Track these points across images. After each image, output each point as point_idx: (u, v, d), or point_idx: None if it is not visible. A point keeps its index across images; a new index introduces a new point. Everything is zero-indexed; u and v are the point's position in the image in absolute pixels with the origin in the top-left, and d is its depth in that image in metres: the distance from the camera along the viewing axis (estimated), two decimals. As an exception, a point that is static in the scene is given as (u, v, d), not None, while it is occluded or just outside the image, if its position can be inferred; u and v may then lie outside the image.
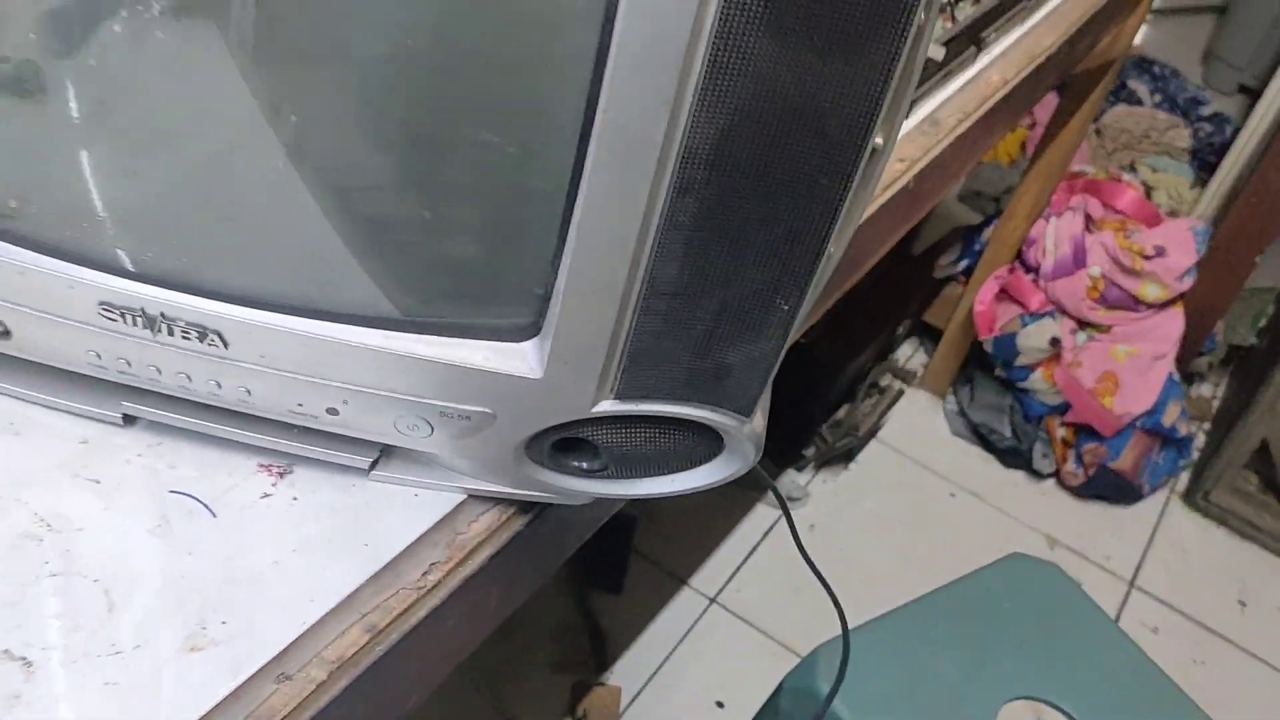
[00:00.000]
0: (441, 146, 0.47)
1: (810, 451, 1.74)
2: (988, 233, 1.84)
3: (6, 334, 0.53)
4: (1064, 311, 1.72)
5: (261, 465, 0.57)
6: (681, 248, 0.46)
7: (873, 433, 1.83)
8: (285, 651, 0.51)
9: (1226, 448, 1.86)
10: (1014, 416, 1.83)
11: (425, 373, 0.52)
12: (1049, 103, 1.82)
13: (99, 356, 0.53)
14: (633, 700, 1.42)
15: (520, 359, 0.51)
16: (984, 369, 1.86)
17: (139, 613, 0.50)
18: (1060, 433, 1.80)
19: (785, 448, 1.73)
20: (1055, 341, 1.71)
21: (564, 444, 0.56)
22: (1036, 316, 1.71)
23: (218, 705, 0.48)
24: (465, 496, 0.59)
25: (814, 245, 0.47)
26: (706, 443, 0.55)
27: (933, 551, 1.66)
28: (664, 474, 0.57)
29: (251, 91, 0.46)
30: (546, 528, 0.62)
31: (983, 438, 1.87)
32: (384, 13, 0.44)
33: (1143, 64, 2.50)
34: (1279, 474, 1.87)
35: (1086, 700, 0.93)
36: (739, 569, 1.61)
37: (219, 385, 0.54)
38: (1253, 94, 2.48)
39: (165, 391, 0.55)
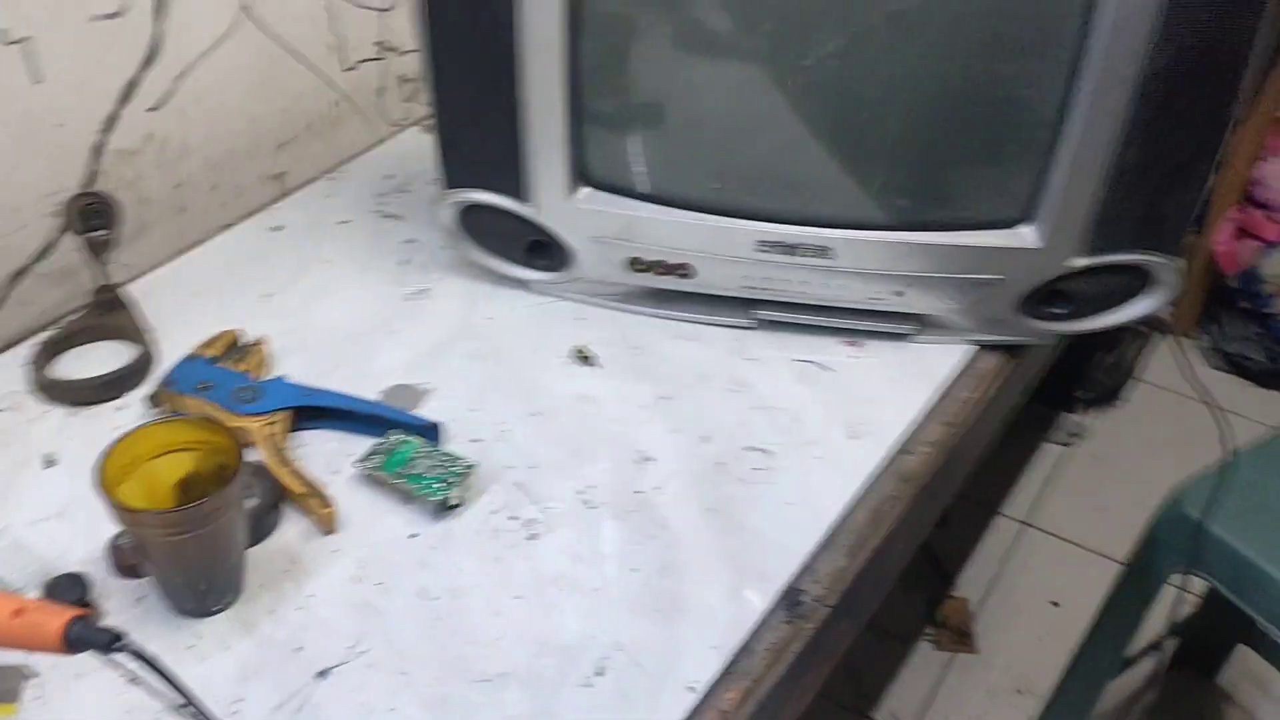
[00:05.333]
0: (989, 98, 0.77)
1: (1082, 393, 1.98)
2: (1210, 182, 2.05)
3: (690, 274, 0.86)
4: (1300, 238, 1.92)
5: (842, 342, 0.89)
6: (1140, 136, 0.75)
7: (1132, 373, 2.05)
8: (908, 437, 0.81)
9: None
10: (1266, 341, 2.02)
11: (963, 256, 0.82)
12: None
13: (748, 278, 0.86)
14: (980, 607, 1.68)
15: (1022, 239, 0.81)
16: (1228, 307, 2.07)
17: (814, 422, 0.82)
18: (1312, 349, 1.99)
19: (1061, 393, 1.97)
20: (1296, 265, 1.91)
21: (1044, 297, 0.85)
22: (1276, 245, 1.92)
23: (877, 466, 0.79)
24: (976, 348, 0.88)
25: (1220, 130, 0.75)
26: (1141, 282, 0.84)
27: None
28: (1111, 310, 0.86)
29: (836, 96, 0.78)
30: (1024, 365, 0.91)
31: (1238, 366, 2.07)
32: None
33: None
34: None
35: None
36: (1041, 495, 1.85)
37: (826, 287, 0.85)
38: None
39: (784, 299, 0.87)
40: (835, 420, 0.82)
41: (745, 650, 0.67)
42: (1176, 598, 1.17)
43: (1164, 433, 1.98)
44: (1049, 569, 1.74)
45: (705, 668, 0.66)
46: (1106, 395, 2.01)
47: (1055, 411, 1.99)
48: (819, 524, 0.74)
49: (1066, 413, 1.99)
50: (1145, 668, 1.50)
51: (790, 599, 0.70)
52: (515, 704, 0.63)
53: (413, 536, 0.73)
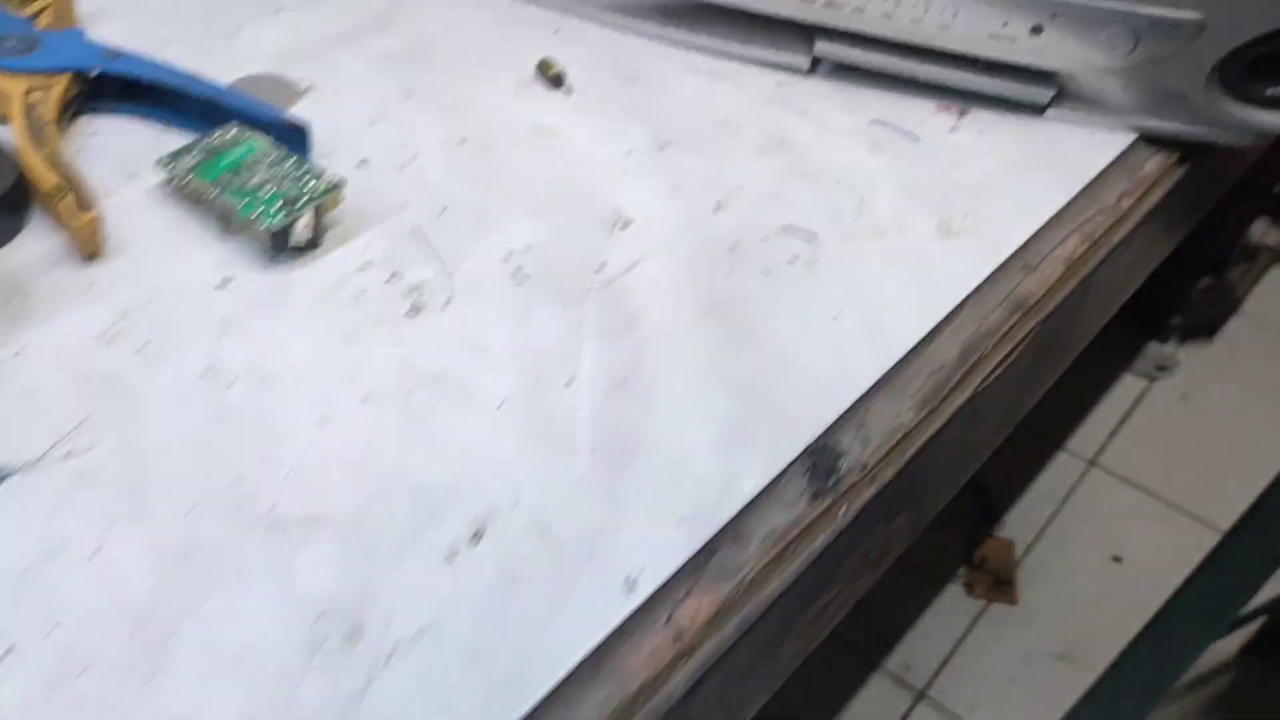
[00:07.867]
0: None
1: (1176, 321, 1.67)
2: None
3: (727, -27, 0.57)
4: None
5: (940, 106, 0.59)
6: None
7: (1239, 304, 1.74)
8: (1025, 245, 0.52)
9: None
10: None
11: (1150, -25, 0.52)
12: None
13: (811, -10, 0.56)
14: (1026, 552, 1.40)
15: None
16: (1358, 241, 1.74)
17: (886, 206, 0.53)
18: None
19: (1151, 317, 1.66)
20: None
21: (1260, 62, 0.55)
22: None
23: (982, 283, 0.50)
24: (1135, 137, 0.59)
25: None
26: None
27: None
28: (1361, 98, 0.56)
29: None
30: (1202, 174, 0.61)
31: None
32: None
33: None
34: None
35: None
36: (1115, 433, 1.56)
37: (924, 11, 0.56)
38: None
39: (858, 30, 0.57)
40: (921, 207, 0.53)
41: (731, 534, 0.39)
42: None
43: (1267, 376, 1.67)
44: (1114, 518, 1.46)
45: (662, 552, 0.38)
46: (1204, 326, 1.70)
47: (1142, 339, 1.69)
48: (879, 354, 0.46)
49: (1156, 341, 1.69)
50: (1217, 648, 1.23)
51: (819, 461, 0.42)
52: (314, 568, 0.36)
53: (224, 284, 0.45)
